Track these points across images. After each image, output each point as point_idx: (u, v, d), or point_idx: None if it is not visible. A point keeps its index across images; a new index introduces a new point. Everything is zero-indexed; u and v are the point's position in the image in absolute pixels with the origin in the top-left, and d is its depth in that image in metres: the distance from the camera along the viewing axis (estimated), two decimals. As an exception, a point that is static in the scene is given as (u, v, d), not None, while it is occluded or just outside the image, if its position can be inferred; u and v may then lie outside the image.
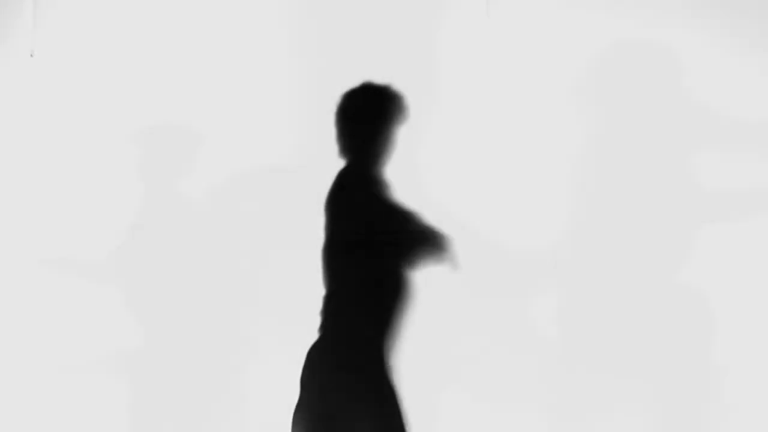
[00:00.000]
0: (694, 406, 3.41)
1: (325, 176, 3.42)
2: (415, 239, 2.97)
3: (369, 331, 2.96)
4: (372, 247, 2.96)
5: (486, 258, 3.43)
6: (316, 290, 3.16)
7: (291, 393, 3.26)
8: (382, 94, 3.05)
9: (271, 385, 3.40)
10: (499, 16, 3.51)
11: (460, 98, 3.50)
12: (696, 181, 3.46)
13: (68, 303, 3.58)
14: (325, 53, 3.55)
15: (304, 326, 3.32)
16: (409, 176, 3.36)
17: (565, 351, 3.43)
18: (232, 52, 3.60)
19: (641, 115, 3.49)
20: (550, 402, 3.42)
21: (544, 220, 3.45)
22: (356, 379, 2.92)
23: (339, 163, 3.42)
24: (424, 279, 2.93)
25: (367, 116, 3.05)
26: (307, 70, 3.55)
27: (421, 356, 3.22)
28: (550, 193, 3.46)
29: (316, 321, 3.00)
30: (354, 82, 3.38)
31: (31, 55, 3.64)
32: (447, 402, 3.38)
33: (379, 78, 3.39)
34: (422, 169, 3.42)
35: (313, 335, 3.22)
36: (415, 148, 3.46)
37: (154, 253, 3.54)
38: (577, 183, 3.47)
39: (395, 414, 2.90)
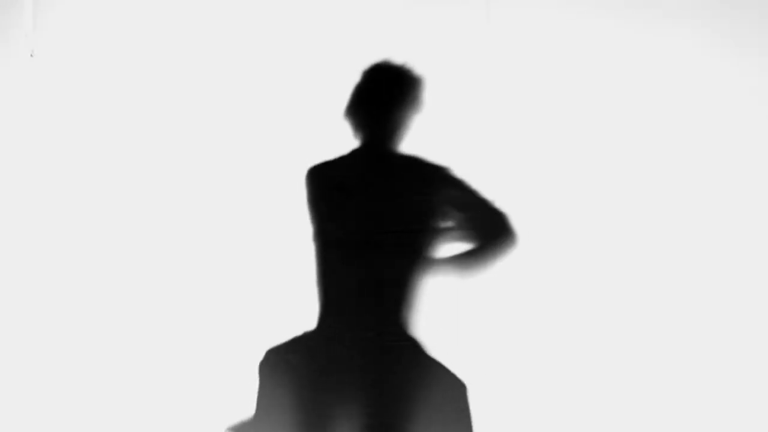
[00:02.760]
0: (689, 405, 3.43)
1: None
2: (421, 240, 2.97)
3: (369, 330, 2.96)
4: (377, 246, 2.96)
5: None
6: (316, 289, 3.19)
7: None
8: (402, 75, 3.03)
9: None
10: (500, 21, 3.52)
11: (459, 101, 3.51)
12: (695, 181, 3.48)
13: (68, 303, 3.57)
14: (324, 56, 3.55)
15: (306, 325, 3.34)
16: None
17: (560, 350, 3.45)
18: (232, 51, 3.60)
19: (640, 117, 3.50)
20: (546, 401, 3.44)
21: (545, 220, 3.46)
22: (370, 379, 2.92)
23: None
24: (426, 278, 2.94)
25: (386, 97, 3.03)
26: (305, 73, 3.56)
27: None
28: (550, 194, 3.47)
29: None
30: (352, 84, 3.40)
31: (31, 55, 3.64)
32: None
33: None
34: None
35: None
36: (414, 151, 3.48)
37: (154, 253, 3.55)
38: (576, 184, 3.48)
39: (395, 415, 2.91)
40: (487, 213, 2.96)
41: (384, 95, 3.05)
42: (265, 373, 2.96)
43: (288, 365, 2.95)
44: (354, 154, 3.03)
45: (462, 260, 2.99)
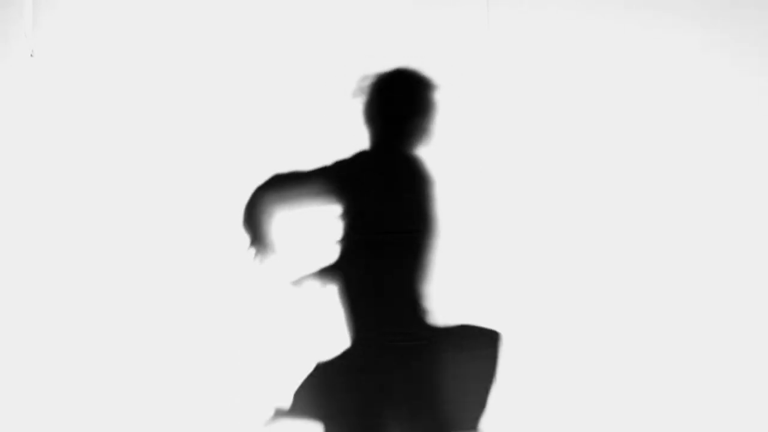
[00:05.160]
0: (689, 405, 3.44)
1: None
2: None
3: (370, 330, 2.97)
4: (378, 246, 2.97)
5: (483, 257, 3.45)
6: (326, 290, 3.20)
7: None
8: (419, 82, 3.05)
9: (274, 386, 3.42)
10: (500, 23, 3.53)
11: (459, 103, 3.51)
12: (696, 181, 3.49)
13: (68, 303, 3.57)
14: (324, 59, 3.56)
15: (310, 325, 3.34)
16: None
17: (562, 350, 3.46)
18: (232, 52, 3.61)
19: (640, 117, 3.51)
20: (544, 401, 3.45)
21: (545, 221, 3.47)
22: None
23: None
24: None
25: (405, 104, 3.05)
26: (305, 75, 3.56)
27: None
28: (550, 195, 3.48)
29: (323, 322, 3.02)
30: (351, 87, 3.41)
31: (31, 55, 3.64)
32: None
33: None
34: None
35: (316, 336, 3.24)
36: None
37: (154, 253, 3.55)
38: (577, 184, 3.50)
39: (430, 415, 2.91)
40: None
41: (403, 102, 3.07)
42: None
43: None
44: (361, 154, 3.05)
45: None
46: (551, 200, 3.48)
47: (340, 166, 3.01)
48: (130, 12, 3.65)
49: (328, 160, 3.38)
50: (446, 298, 3.38)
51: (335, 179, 3.00)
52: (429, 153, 3.46)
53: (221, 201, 3.56)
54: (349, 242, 2.98)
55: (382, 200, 3.00)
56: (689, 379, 3.45)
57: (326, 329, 3.17)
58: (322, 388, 2.96)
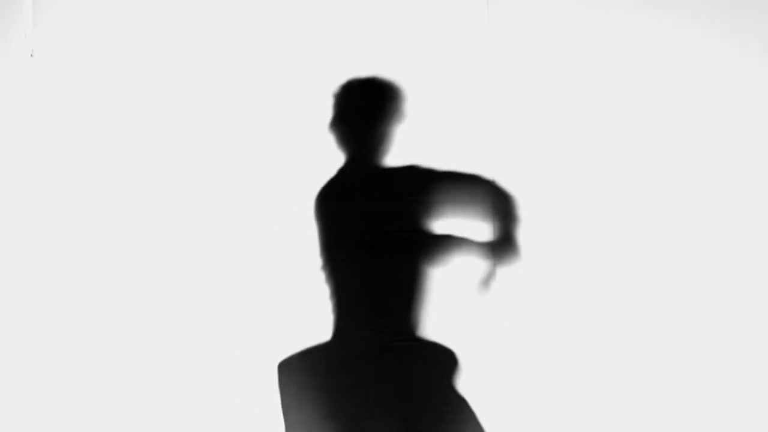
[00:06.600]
0: (690, 407, 3.44)
1: (324, 175, 3.44)
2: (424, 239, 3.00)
3: (369, 330, 2.97)
4: (374, 247, 2.98)
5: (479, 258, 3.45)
6: (318, 291, 3.20)
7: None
8: (383, 90, 3.07)
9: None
10: (500, 23, 3.53)
11: (459, 103, 3.51)
12: (696, 182, 3.49)
13: (68, 304, 3.57)
14: (323, 59, 3.56)
15: (305, 327, 3.35)
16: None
17: (563, 354, 3.46)
18: (232, 51, 3.61)
19: (641, 117, 3.51)
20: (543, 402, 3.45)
21: (545, 222, 3.47)
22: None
23: (336, 162, 3.45)
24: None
25: (369, 111, 3.08)
26: (304, 75, 3.56)
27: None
28: (550, 195, 3.48)
29: (316, 322, 3.03)
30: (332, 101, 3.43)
31: (31, 55, 3.64)
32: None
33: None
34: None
35: (311, 336, 3.25)
36: (416, 153, 3.49)
37: (156, 255, 3.55)
38: (577, 184, 3.50)
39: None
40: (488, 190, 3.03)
41: (366, 110, 3.10)
42: (284, 384, 2.99)
43: (302, 372, 2.97)
44: (343, 169, 3.07)
45: (499, 245, 3.03)
46: (552, 201, 3.48)
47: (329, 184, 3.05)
48: (131, 12, 3.65)
49: (325, 161, 3.39)
50: (447, 300, 3.39)
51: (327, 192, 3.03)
52: (429, 154, 3.47)
53: (221, 200, 3.56)
54: (345, 244, 2.99)
55: (374, 203, 3.01)
56: (695, 382, 3.45)
57: (322, 328, 3.19)
58: (321, 387, 2.96)
